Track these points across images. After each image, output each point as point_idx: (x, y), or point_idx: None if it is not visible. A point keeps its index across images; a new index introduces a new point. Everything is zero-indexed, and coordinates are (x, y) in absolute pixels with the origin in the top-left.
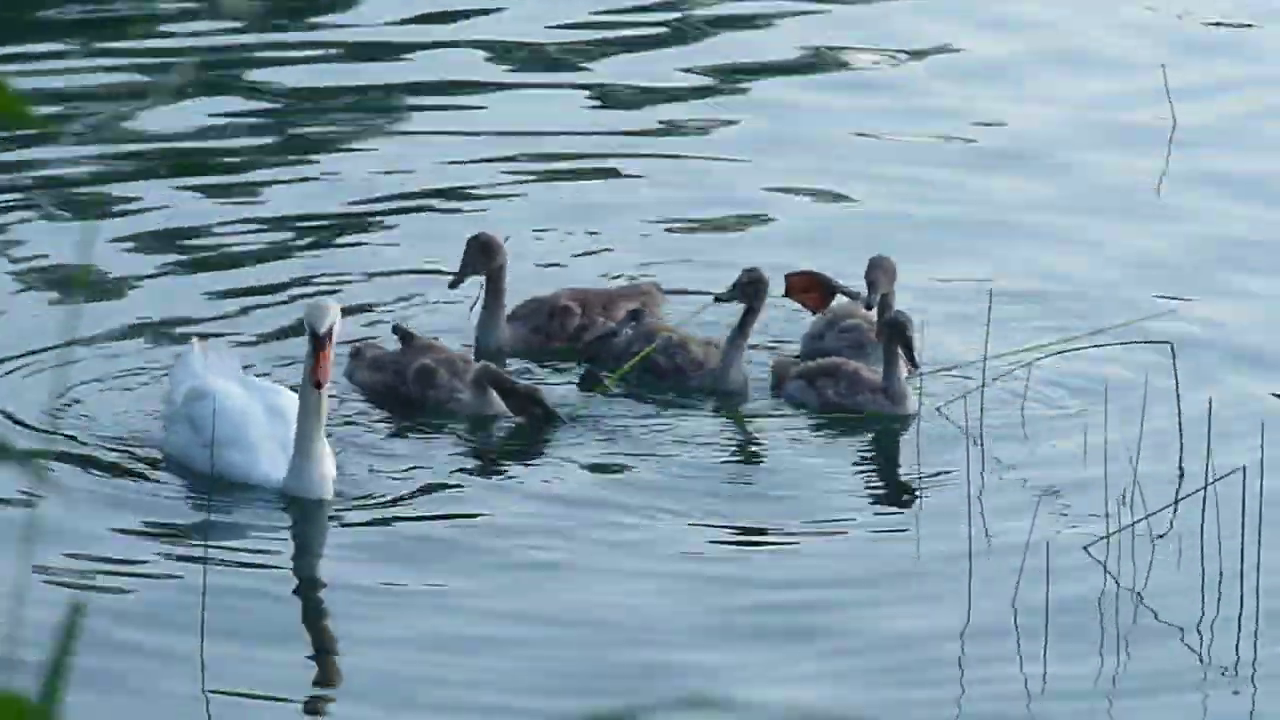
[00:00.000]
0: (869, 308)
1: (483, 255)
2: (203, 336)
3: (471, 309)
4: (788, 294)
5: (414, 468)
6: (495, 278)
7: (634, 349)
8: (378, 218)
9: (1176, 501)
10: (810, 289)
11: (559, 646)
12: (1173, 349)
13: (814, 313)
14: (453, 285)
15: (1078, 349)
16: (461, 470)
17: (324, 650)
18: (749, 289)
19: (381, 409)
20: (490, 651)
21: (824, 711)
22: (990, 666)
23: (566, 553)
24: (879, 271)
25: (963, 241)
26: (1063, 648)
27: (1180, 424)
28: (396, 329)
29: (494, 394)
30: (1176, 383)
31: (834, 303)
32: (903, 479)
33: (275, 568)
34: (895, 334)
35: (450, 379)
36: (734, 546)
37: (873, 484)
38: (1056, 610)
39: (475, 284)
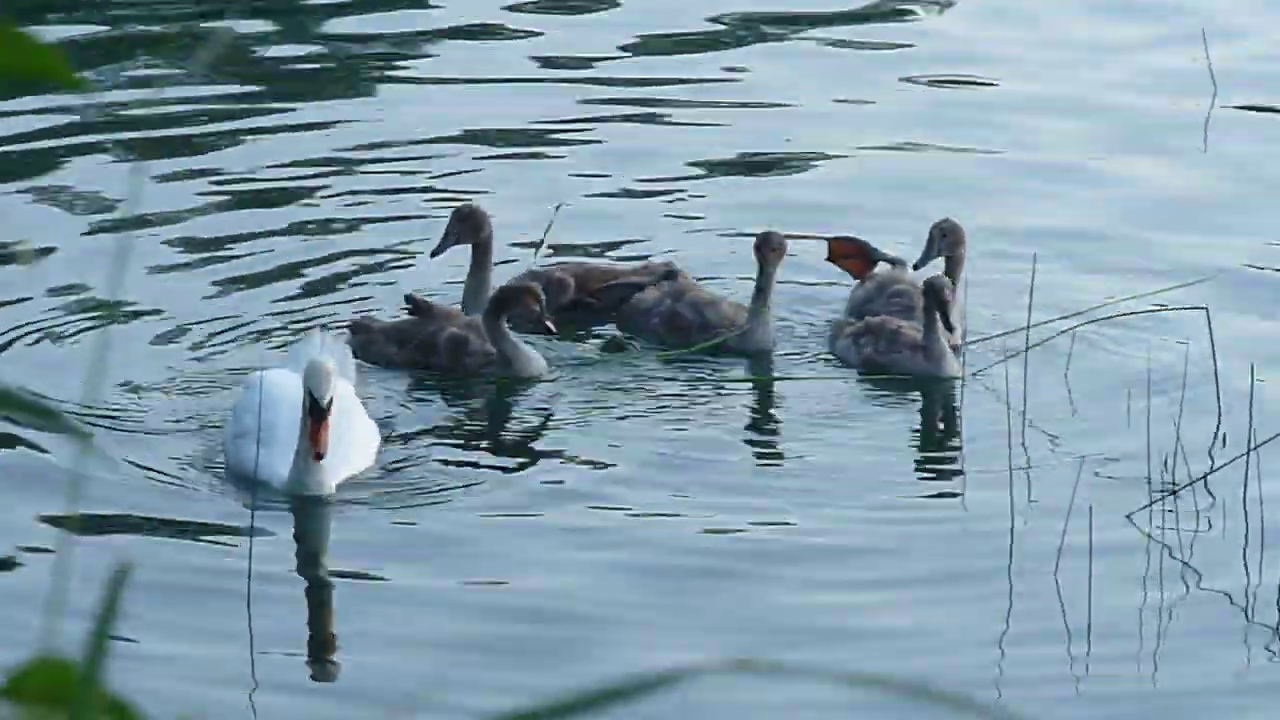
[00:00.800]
0: (916, 268)
1: (464, 226)
2: (325, 326)
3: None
4: (830, 259)
5: (436, 449)
6: (481, 249)
7: (663, 306)
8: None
9: (1210, 470)
10: (852, 255)
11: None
12: (1208, 314)
13: (856, 278)
14: (434, 254)
15: (1114, 316)
16: (487, 447)
17: (324, 646)
18: (761, 250)
19: (405, 382)
20: (514, 636)
21: (868, 674)
22: (1033, 632)
23: (596, 530)
24: (936, 231)
25: (1002, 193)
26: (1106, 613)
27: (1218, 389)
28: (410, 299)
29: (524, 351)
30: (1213, 347)
31: (876, 269)
32: (944, 444)
33: (275, 563)
34: (931, 298)
35: (482, 344)
36: (769, 515)
37: (912, 449)
38: (1099, 576)
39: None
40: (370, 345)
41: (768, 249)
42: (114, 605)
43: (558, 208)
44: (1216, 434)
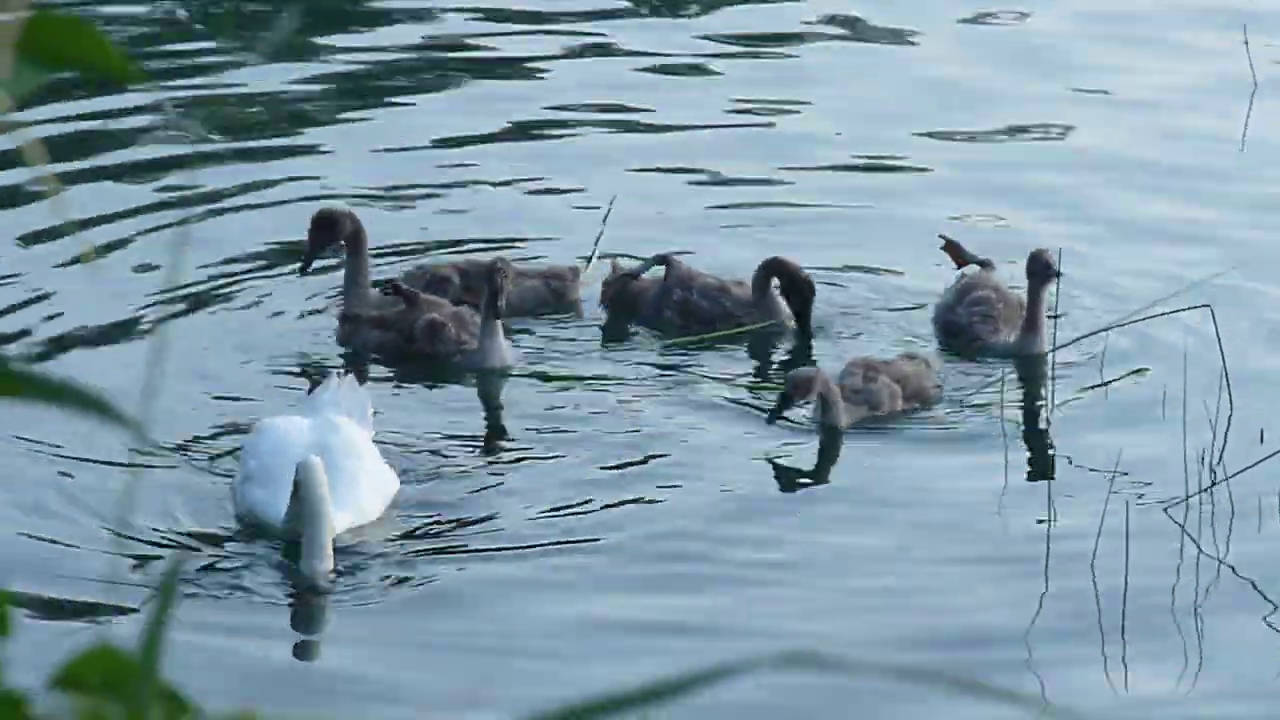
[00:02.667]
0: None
1: (322, 232)
2: (344, 371)
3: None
4: (944, 249)
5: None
6: (351, 245)
7: (675, 296)
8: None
9: (1246, 467)
10: (951, 252)
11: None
12: (1212, 312)
13: (957, 268)
14: (302, 271)
15: (1125, 323)
16: (466, 470)
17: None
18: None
19: (388, 368)
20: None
21: (911, 668)
22: (1068, 628)
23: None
24: (1041, 265)
25: (1032, 203)
26: (1141, 608)
27: (1228, 386)
28: (395, 288)
29: (503, 345)
30: (1220, 344)
31: (968, 269)
32: (981, 445)
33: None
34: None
35: (457, 333)
36: (800, 514)
37: (950, 449)
38: (1135, 571)
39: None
40: (356, 334)
41: (797, 290)
42: (169, 595)
43: (613, 200)
44: (1224, 429)
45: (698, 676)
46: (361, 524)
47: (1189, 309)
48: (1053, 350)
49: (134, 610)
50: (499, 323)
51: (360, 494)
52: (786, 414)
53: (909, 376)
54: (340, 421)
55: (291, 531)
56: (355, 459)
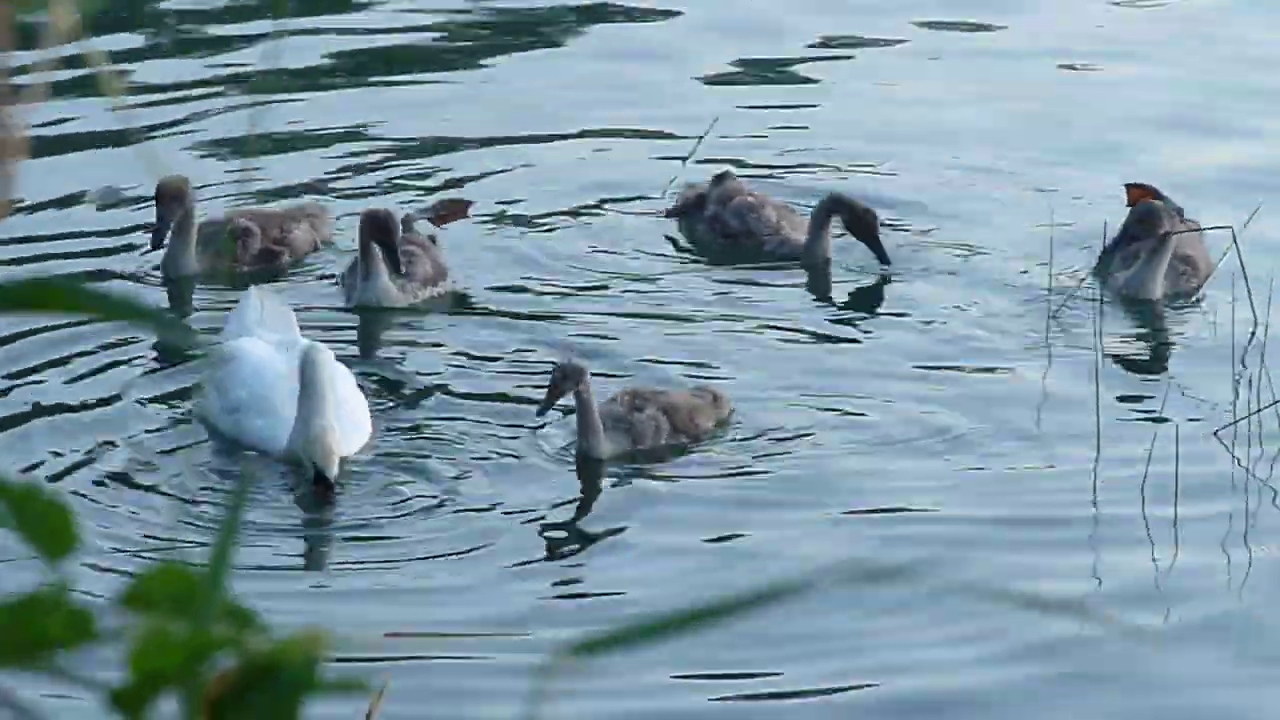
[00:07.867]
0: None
1: (174, 203)
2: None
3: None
4: (1130, 204)
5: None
6: (184, 218)
7: (708, 212)
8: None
9: None
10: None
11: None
12: (1234, 234)
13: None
14: (155, 246)
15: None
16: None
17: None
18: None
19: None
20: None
21: (966, 583)
22: (1118, 550)
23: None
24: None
25: (1069, 145)
26: (1191, 532)
27: (1252, 306)
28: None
29: (376, 281)
30: (1242, 265)
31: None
32: (1028, 365)
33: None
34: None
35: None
36: (848, 444)
37: (997, 368)
38: (1185, 494)
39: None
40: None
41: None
42: (238, 513)
43: (715, 121)
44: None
45: (760, 595)
46: (364, 442)
47: (1212, 229)
48: (1096, 277)
49: (198, 531)
50: (378, 262)
51: (357, 413)
52: (553, 407)
53: (679, 408)
54: (309, 342)
55: (292, 456)
56: (342, 379)
